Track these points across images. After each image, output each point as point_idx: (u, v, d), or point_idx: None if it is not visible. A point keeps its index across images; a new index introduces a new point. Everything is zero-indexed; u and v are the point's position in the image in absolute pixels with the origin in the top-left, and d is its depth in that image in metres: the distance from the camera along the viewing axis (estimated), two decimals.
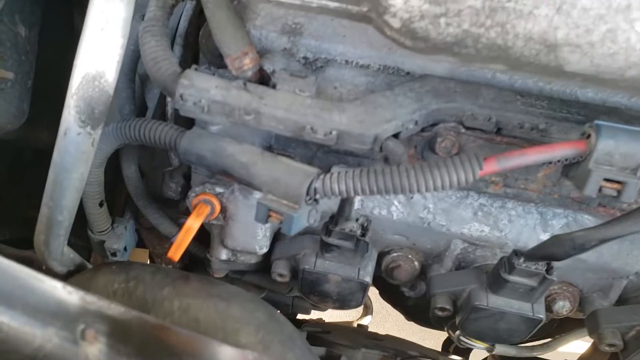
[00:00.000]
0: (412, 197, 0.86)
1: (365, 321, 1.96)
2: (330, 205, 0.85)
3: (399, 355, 1.13)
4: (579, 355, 1.38)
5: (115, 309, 0.45)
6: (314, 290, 0.91)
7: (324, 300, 0.93)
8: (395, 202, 0.86)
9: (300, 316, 1.45)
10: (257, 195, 0.83)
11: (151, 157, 1.01)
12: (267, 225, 0.86)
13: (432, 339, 2.28)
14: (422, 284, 0.98)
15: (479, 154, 0.62)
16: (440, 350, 1.77)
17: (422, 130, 0.75)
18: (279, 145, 0.83)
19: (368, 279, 0.87)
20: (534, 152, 0.63)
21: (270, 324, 0.75)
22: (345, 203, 0.77)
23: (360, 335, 1.31)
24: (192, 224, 0.81)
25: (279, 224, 0.68)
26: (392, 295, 1.27)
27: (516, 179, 0.78)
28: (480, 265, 0.90)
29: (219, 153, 0.71)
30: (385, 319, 2.97)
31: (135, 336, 0.45)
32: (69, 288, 0.45)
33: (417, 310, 1.25)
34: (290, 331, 0.77)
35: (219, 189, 0.85)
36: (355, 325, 1.88)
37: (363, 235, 0.81)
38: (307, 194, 0.66)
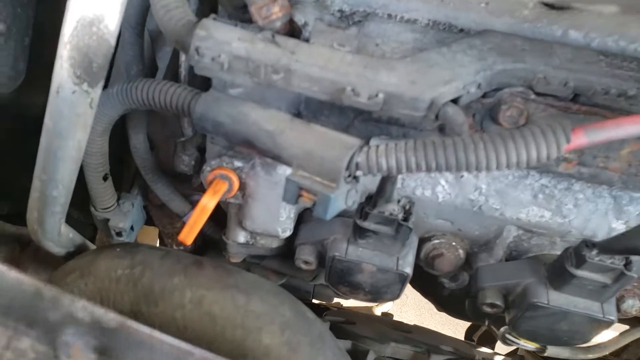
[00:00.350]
0: (462, 176, 0.74)
1: (386, 307, 1.87)
2: (365, 183, 0.73)
3: (431, 350, 1.03)
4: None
5: (109, 317, 0.34)
6: (344, 281, 0.80)
7: (355, 291, 0.82)
8: (442, 182, 0.75)
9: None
10: (282, 170, 0.73)
11: (162, 125, 0.91)
12: (292, 205, 0.75)
13: (453, 324, 2.19)
14: (465, 274, 0.87)
15: (566, 124, 0.50)
16: (463, 337, 1.68)
17: (483, 95, 0.63)
18: (310, 111, 0.71)
19: (408, 269, 0.76)
20: (633, 123, 0.51)
21: (297, 322, 0.64)
22: (387, 181, 0.65)
23: (387, 326, 1.21)
24: (207, 203, 0.71)
25: (310, 205, 0.56)
26: (425, 284, 1.15)
27: (594, 156, 0.66)
28: (537, 256, 0.78)
29: (240, 119, 0.61)
30: (403, 302, 2.88)
31: (135, 352, 0.34)
32: (49, 288, 0.34)
33: (451, 301, 1.14)
34: (320, 330, 0.66)
35: (237, 163, 0.76)
36: (375, 311, 1.79)
37: (405, 219, 0.70)
38: (347, 169, 0.54)
